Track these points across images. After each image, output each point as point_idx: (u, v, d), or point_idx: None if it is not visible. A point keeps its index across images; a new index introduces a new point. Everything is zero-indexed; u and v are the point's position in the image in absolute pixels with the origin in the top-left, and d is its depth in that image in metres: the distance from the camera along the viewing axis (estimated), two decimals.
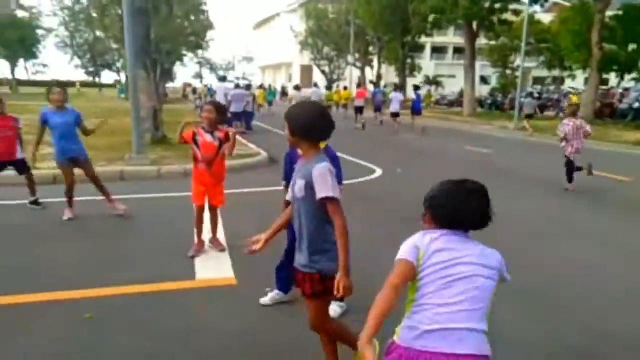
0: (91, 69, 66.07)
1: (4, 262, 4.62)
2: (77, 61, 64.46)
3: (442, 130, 21.35)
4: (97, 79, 68.72)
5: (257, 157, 10.89)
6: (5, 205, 6.69)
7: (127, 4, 10.15)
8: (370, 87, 37.57)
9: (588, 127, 8.44)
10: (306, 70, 56.07)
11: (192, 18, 35.45)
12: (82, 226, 5.84)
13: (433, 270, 1.80)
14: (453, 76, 51.91)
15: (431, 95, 30.49)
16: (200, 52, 58.07)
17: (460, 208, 1.86)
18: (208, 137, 4.70)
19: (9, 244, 5.18)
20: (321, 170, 2.38)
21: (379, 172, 10.09)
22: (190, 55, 51.15)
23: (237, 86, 18.35)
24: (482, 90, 43.71)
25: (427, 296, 1.79)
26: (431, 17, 30.14)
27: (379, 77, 40.24)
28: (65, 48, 63.15)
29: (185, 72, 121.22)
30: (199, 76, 71.00)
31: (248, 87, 18.86)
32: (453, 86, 47.24)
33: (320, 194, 2.38)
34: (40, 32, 58.01)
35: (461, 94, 34.58)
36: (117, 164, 9.39)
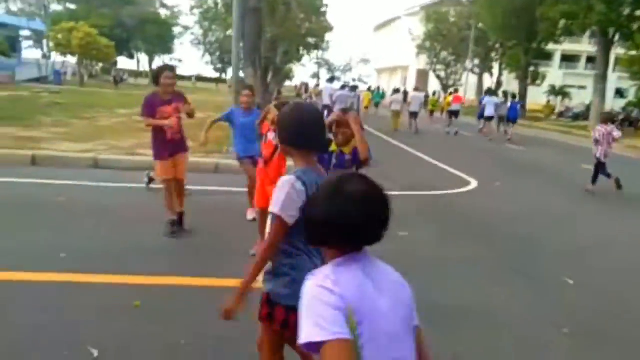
0: (219, 66, 70.59)
1: (93, 242, 4.96)
2: (207, 58, 69.36)
3: (558, 143, 19.66)
4: (223, 75, 73.35)
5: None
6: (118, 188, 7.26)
7: (237, 3, 10.55)
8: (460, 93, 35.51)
9: (616, 133, 9.28)
10: (422, 75, 54.88)
11: (312, 19, 36.33)
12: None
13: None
14: (583, 87, 47.60)
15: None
16: (319, 52, 59.71)
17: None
18: (270, 135, 4.65)
19: (101, 224, 5.56)
20: (281, 182, 2.05)
21: (473, 184, 9.45)
22: (308, 55, 52.71)
23: (343, 87, 18.38)
24: (617, 104, 39.59)
25: None
26: (561, 23, 27.85)
27: (499, 84, 38.18)
28: (198, 45, 68.21)
29: (303, 72, 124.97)
30: (316, 76, 72.92)
31: (353, 88, 18.86)
32: (583, 98, 43.30)
33: (269, 206, 2.07)
34: (177, 29, 63.33)
35: (589, 107, 31.55)
36: (214, 156, 9.80)
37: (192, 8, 50.27)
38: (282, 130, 2.17)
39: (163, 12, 62.35)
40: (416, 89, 21.62)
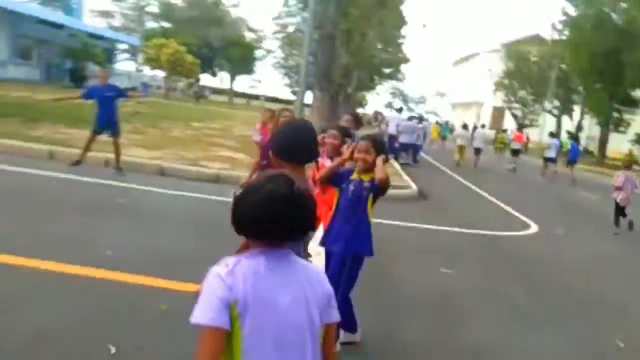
0: (296, 89, 72.37)
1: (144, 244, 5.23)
2: (287, 80, 71.45)
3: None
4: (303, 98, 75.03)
5: (405, 190, 10.65)
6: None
7: (310, 30, 10.90)
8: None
9: (637, 181, 9.62)
10: (497, 112, 53.51)
11: (389, 50, 36.58)
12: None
13: None
14: None
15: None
16: (393, 82, 59.81)
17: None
18: (327, 163, 4.25)
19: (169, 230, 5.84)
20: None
21: (533, 227, 9.02)
22: (383, 84, 52.93)
23: (410, 118, 18.31)
24: None
25: None
26: None
27: (579, 127, 36.41)
28: (279, 68, 70.52)
29: (377, 100, 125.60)
30: (389, 105, 72.96)
31: (420, 119, 18.71)
32: None
33: None
34: (260, 52, 65.84)
35: None
36: None
37: (275, 32, 52.21)
38: (274, 144, 2.36)
39: (248, 35, 65.18)
40: (482, 126, 21.80)
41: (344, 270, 3.36)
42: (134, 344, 3.14)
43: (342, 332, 3.50)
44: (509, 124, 45.01)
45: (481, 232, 8.11)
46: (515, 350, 3.98)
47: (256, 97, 71.13)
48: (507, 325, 4.46)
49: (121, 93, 8.79)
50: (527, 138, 29.07)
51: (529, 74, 41.26)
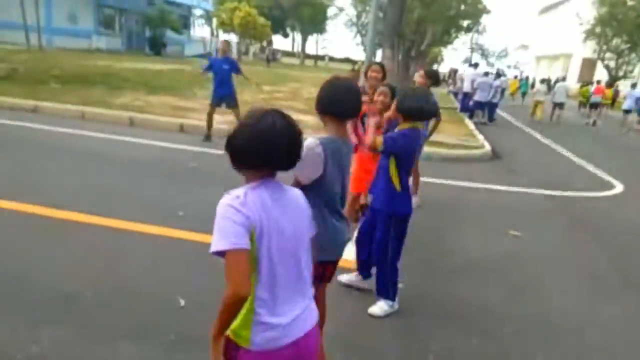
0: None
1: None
2: (358, 39, 70.01)
3: None
4: (373, 58, 73.47)
5: (478, 150, 10.23)
6: None
7: None
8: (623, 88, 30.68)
9: None
10: (587, 64, 49.34)
11: (467, 0, 34.56)
12: None
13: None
14: None
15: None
16: (474, 36, 56.73)
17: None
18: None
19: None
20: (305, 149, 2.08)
21: (618, 187, 8.40)
22: (461, 39, 50.32)
23: (487, 74, 17.39)
24: None
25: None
26: None
27: None
28: (351, 26, 69.13)
29: (455, 56, 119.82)
30: (467, 61, 69.57)
31: (498, 75, 17.72)
32: None
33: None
34: (332, 10, 64.74)
35: None
36: None
37: None
38: (317, 101, 2.37)
39: None
40: (563, 79, 20.37)
41: (389, 230, 3.36)
42: (202, 299, 3.29)
43: (383, 303, 3.49)
44: (601, 76, 41.57)
45: (558, 192, 7.67)
46: (588, 320, 3.78)
47: (322, 58, 70.48)
48: (581, 294, 4.23)
49: (237, 68, 8.80)
50: (616, 91, 26.72)
51: (625, 19, 37.54)
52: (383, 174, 3.35)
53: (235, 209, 1.50)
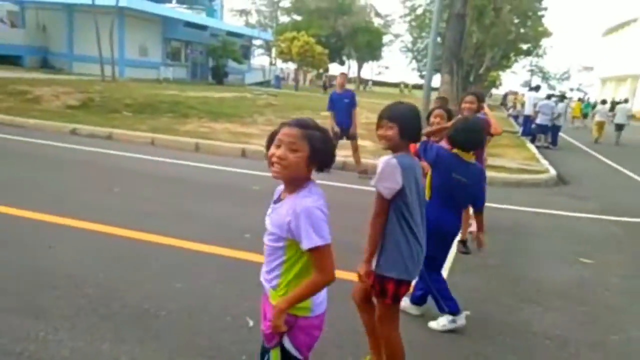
0: (424, 73, 70.59)
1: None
2: (414, 64, 70.00)
3: None
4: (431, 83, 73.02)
5: (542, 175, 9.92)
6: None
7: (437, 10, 10.59)
8: None
9: None
10: None
11: (527, 24, 33.95)
12: None
13: None
14: None
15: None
16: (533, 59, 55.38)
17: None
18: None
19: None
20: (380, 161, 2.46)
21: None
22: (520, 62, 49.31)
23: (549, 97, 16.91)
24: None
25: None
26: None
27: None
28: (407, 52, 69.35)
29: (514, 80, 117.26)
30: (527, 84, 67.80)
31: (562, 98, 17.20)
32: None
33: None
34: (387, 37, 65.26)
35: None
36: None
37: (403, 16, 51.31)
38: (410, 126, 2.54)
39: (376, 21, 64.94)
40: (625, 100, 20.78)
41: None
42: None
43: (442, 317, 3.50)
44: None
45: (628, 219, 7.30)
46: None
47: (387, 84, 70.72)
48: None
49: (355, 103, 8.74)
50: None
51: None
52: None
53: (322, 210, 1.80)
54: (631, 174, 11.62)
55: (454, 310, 3.44)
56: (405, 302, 3.74)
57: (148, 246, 4.58)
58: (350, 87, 47.59)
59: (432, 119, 4.46)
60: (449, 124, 3.51)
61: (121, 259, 4.27)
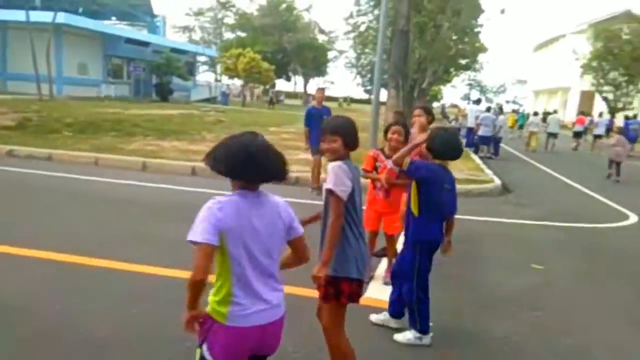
0: (368, 87, 72.13)
1: None
2: (358, 80, 71.33)
3: None
4: (371, 97, 74.56)
5: (488, 184, 10.28)
6: None
7: (382, 25, 10.85)
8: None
9: None
10: (586, 97, 50.00)
11: (465, 40, 35.37)
12: None
13: None
14: None
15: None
16: (470, 73, 57.77)
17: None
18: (389, 163, 3.65)
19: None
20: (330, 167, 2.58)
21: (632, 218, 8.39)
22: (460, 76, 51.23)
23: (488, 109, 17.66)
24: None
25: None
26: None
27: None
28: (351, 67, 70.55)
29: (454, 93, 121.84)
30: (467, 97, 70.71)
31: (500, 110, 18.00)
32: None
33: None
34: (332, 53, 66.24)
35: None
36: None
37: (346, 32, 52.26)
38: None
39: (321, 37, 65.83)
40: (554, 112, 22.98)
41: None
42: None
43: (409, 332, 3.52)
44: (600, 108, 41.99)
45: (571, 224, 7.68)
46: (620, 354, 3.74)
47: (332, 99, 71.48)
48: (610, 326, 4.18)
49: None
50: (591, 120, 28.75)
51: (621, 53, 38.26)
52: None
53: (213, 212, 1.82)
54: (567, 180, 12.26)
55: (425, 330, 3.48)
56: (384, 316, 3.76)
57: (103, 273, 4.37)
58: (296, 102, 47.70)
59: (389, 135, 4.34)
60: (420, 140, 3.46)
61: (75, 287, 4.04)
